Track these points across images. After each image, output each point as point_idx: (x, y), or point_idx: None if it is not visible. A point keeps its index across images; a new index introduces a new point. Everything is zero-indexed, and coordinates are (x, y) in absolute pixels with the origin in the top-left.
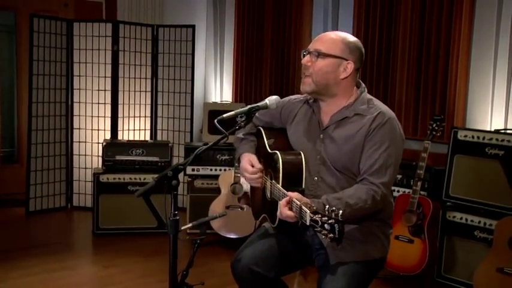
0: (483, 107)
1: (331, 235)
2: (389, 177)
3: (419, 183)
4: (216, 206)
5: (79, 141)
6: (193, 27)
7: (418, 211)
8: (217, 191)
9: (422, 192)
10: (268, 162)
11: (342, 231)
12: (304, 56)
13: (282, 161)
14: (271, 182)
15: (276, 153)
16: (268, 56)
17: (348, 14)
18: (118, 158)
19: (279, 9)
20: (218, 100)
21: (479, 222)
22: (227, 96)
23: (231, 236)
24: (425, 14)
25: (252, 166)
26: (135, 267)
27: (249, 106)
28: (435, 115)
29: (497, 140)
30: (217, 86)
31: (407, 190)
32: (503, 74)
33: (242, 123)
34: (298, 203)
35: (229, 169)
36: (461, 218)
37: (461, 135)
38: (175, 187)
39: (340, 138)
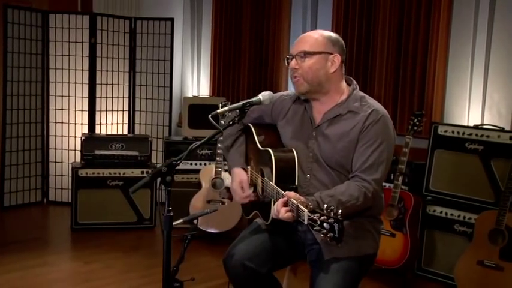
0: (461, 103)
1: (331, 234)
2: (380, 174)
3: (400, 178)
4: (197, 201)
5: (55, 135)
6: (172, 20)
7: (399, 205)
8: (198, 185)
9: (403, 187)
10: (259, 160)
11: (342, 231)
12: (288, 61)
13: (275, 159)
14: (262, 180)
15: (268, 150)
16: (246, 49)
17: (327, 9)
18: (97, 152)
19: (257, 3)
20: (195, 94)
21: (459, 216)
22: (204, 90)
23: (211, 231)
24: (404, 10)
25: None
26: (116, 262)
27: (242, 102)
28: (416, 110)
29: (476, 135)
30: (194, 79)
31: (388, 185)
32: (480, 71)
33: (236, 119)
34: (295, 202)
35: (210, 163)
36: (441, 212)
37: (441, 130)
38: (170, 183)
39: (333, 136)
